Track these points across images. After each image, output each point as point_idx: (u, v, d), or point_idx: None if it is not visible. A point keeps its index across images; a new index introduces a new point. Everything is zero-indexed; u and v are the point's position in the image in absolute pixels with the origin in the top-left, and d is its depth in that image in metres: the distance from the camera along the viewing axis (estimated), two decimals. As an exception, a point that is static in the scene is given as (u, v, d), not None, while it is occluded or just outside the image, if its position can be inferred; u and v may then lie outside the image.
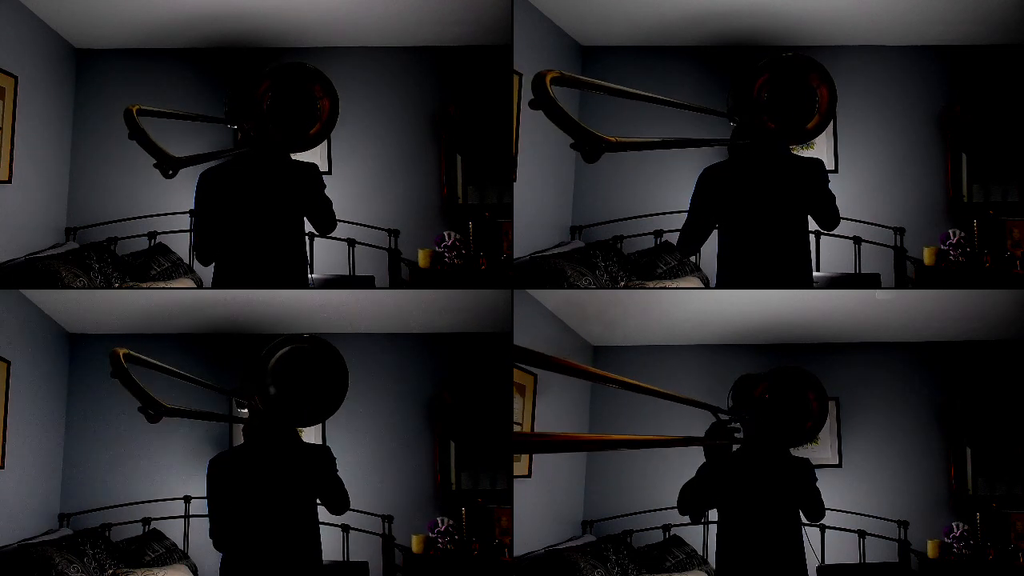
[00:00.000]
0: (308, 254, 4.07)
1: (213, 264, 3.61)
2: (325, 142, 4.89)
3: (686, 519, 3.74)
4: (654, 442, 3.70)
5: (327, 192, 3.66)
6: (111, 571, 4.49)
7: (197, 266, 4.70)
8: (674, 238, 4.80)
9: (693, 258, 4.83)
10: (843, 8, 4.58)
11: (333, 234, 3.83)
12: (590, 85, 3.39)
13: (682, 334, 5.01)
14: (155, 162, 3.55)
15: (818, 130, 3.50)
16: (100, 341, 4.84)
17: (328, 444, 4.59)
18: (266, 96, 3.45)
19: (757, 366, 4.18)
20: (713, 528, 3.78)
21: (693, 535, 4.82)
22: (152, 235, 4.75)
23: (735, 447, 3.64)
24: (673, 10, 4.63)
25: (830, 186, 3.61)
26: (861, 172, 4.94)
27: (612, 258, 4.73)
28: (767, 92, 3.45)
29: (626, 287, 4.69)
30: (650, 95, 3.50)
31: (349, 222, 4.66)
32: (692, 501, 3.66)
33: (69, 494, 4.78)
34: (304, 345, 3.27)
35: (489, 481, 4.91)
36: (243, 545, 3.31)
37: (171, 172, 3.58)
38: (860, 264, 4.80)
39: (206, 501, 3.35)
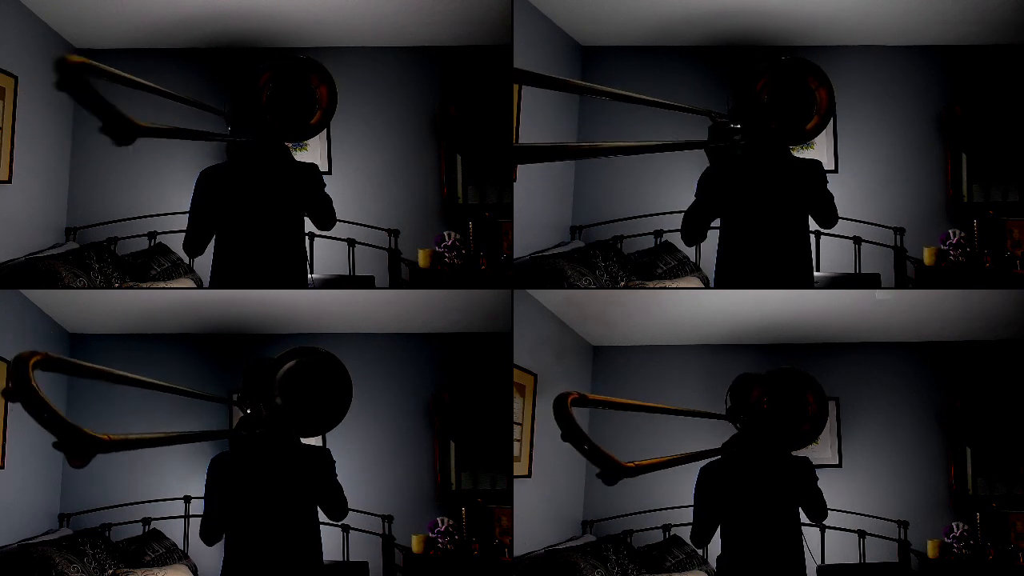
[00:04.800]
0: (308, 254, 4.08)
1: (205, 256, 3.62)
2: (325, 143, 4.90)
3: (686, 518, 3.73)
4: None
5: (327, 191, 3.66)
6: (111, 571, 4.49)
7: (197, 266, 4.70)
8: (674, 238, 4.81)
9: (693, 257, 4.84)
10: (843, 8, 4.59)
11: (333, 234, 3.84)
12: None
13: (682, 334, 5.01)
14: (101, 126, 3.01)
15: (817, 131, 3.52)
16: (100, 341, 4.84)
17: (328, 444, 4.60)
18: (265, 89, 3.46)
19: (757, 366, 4.18)
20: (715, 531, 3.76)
21: (693, 535, 4.82)
22: (152, 235, 4.75)
23: (728, 447, 3.63)
24: (673, 10, 4.63)
25: (830, 186, 3.62)
26: (861, 172, 4.94)
27: (612, 258, 4.74)
28: (767, 94, 3.47)
29: (626, 287, 4.69)
30: (648, 98, 3.54)
31: (349, 222, 4.66)
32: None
33: (69, 494, 4.78)
34: (311, 358, 3.32)
35: (489, 481, 4.91)
36: (244, 545, 3.32)
37: (126, 141, 3.04)
38: (860, 264, 4.80)
39: (204, 497, 3.37)
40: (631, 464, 3.24)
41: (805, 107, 3.49)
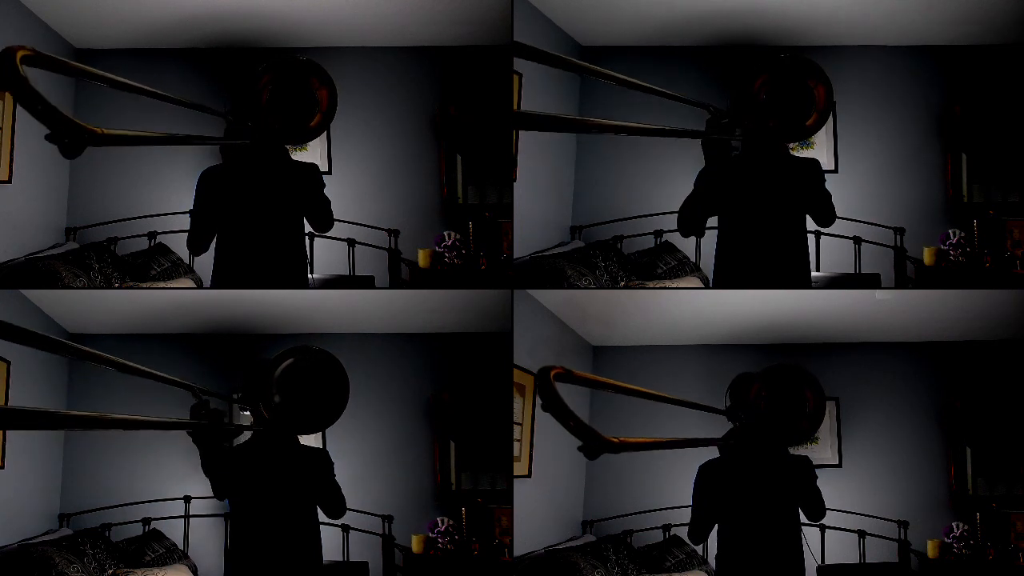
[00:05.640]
0: (308, 254, 4.07)
1: (205, 256, 3.62)
2: (326, 143, 4.90)
3: (686, 518, 3.73)
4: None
5: (326, 192, 3.66)
6: (111, 571, 4.49)
7: (197, 266, 4.71)
8: (674, 238, 4.81)
9: (693, 257, 4.84)
10: (843, 8, 4.59)
11: (333, 234, 3.84)
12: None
13: (682, 334, 5.01)
14: (48, 133, 2.75)
15: (816, 128, 3.51)
16: (100, 341, 4.84)
17: (328, 444, 4.61)
18: (265, 90, 3.46)
19: (757, 366, 4.17)
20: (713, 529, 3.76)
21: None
22: (152, 235, 4.75)
23: (731, 443, 3.63)
24: (673, 10, 4.63)
25: (828, 185, 3.62)
26: (861, 172, 4.94)
27: (612, 258, 4.74)
28: (766, 92, 3.47)
29: (626, 287, 4.69)
30: (646, 84, 3.54)
31: (349, 222, 4.66)
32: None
33: (69, 494, 4.78)
34: (309, 356, 3.34)
35: (489, 481, 4.91)
36: (245, 545, 3.33)
37: (73, 150, 2.79)
38: (860, 264, 4.80)
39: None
40: (616, 439, 3.20)
41: (803, 105, 3.49)
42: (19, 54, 2.70)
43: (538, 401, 3.18)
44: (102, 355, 2.99)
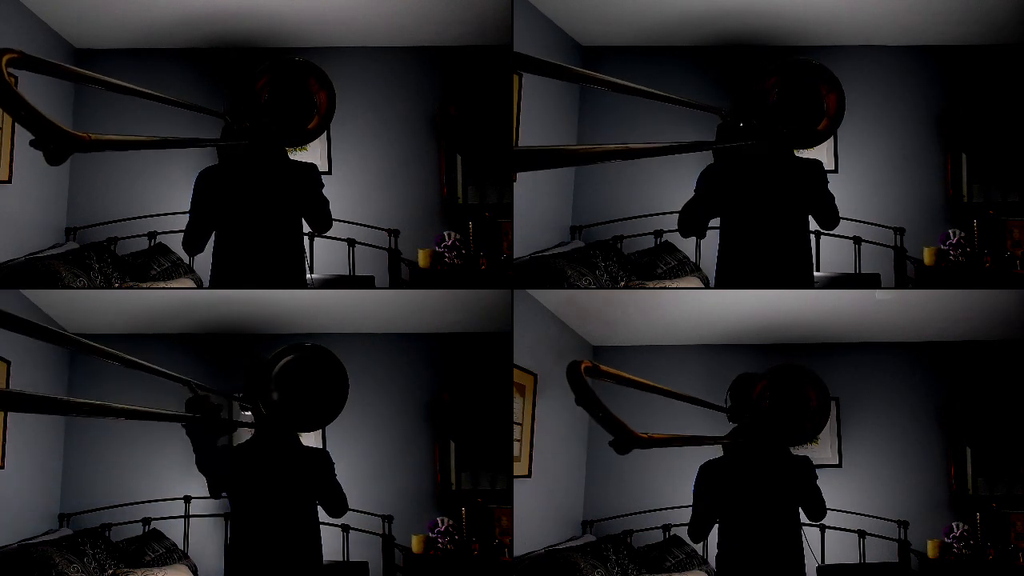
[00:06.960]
0: (307, 254, 4.08)
1: (205, 256, 3.62)
2: (326, 143, 4.90)
3: (686, 518, 3.73)
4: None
5: (325, 192, 3.66)
6: (111, 571, 4.49)
7: (197, 266, 4.71)
8: (674, 238, 4.81)
9: (693, 257, 4.84)
10: (843, 8, 4.59)
11: (333, 234, 3.84)
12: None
13: (682, 334, 5.01)
14: (33, 139, 2.87)
15: (827, 134, 3.51)
16: (100, 341, 4.80)
17: (328, 444, 4.61)
18: (263, 92, 3.46)
19: (757, 366, 4.18)
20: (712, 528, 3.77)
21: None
22: (152, 235, 4.75)
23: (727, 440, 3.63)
24: (673, 10, 4.63)
25: (830, 186, 3.62)
26: (861, 172, 4.94)
27: (612, 258, 4.73)
28: (776, 95, 3.46)
29: (626, 287, 4.69)
30: (652, 91, 3.53)
31: (349, 222, 4.66)
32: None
33: (69, 494, 4.78)
34: (307, 353, 3.34)
35: (489, 481, 4.91)
36: (245, 545, 3.33)
37: (57, 156, 2.84)
38: (860, 264, 4.80)
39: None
40: (644, 435, 3.20)
41: (815, 110, 3.48)
42: (4, 58, 2.73)
43: (571, 396, 3.17)
44: (110, 351, 2.98)
